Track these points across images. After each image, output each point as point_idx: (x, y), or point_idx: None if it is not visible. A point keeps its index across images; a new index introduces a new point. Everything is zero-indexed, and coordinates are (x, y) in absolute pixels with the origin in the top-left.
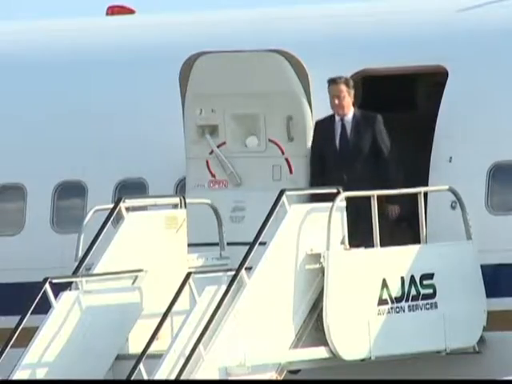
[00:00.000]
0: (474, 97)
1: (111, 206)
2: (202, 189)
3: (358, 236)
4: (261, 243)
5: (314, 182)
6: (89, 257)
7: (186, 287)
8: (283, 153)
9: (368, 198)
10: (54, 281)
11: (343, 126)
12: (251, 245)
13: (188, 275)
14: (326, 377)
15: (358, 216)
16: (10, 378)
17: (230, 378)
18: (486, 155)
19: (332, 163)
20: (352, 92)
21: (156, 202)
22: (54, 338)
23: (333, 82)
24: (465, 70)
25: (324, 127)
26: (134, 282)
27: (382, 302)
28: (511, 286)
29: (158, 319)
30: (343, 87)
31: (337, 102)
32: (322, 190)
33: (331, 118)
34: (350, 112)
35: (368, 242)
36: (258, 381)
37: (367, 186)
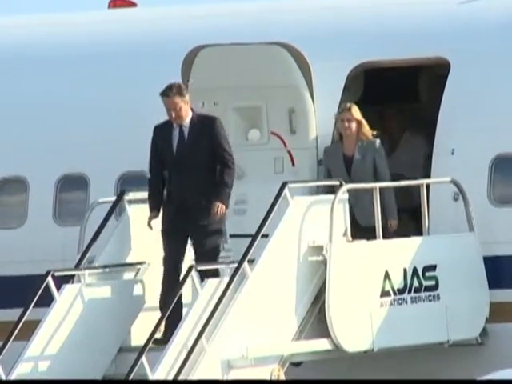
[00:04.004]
0: (476, 89)
1: (113, 199)
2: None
3: None
4: (263, 235)
5: (150, 186)
6: (91, 250)
7: (189, 279)
8: (285, 145)
9: None
10: (57, 273)
11: (181, 132)
12: (253, 237)
13: (190, 268)
14: (328, 369)
15: None
16: (12, 371)
17: (232, 371)
18: (489, 147)
19: (171, 168)
20: (187, 97)
21: None
22: (56, 330)
23: (165, 95)
24: (467, 62)
25: (162, 132)
26: (136, 275)
27: (384, 293)
28: None
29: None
30: (177, 99)
31: (173, 114)
32: (324, 182)
33: (169, 123)
34: (187, 117)
35: None
36: (258, 381)
37: (205, 190)
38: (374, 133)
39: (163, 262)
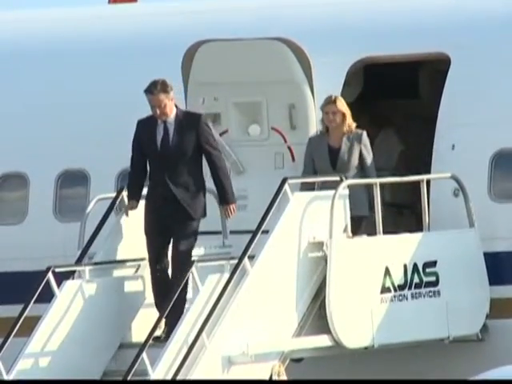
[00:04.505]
0: (476, 84)
1: (114, 194)
2: (205, 177)
3: None
4: (263, 231)
5: (130, 179)
6: (92, 246)
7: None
8: (286, 141)
9: None
10: (57, 269)
11: (165, 128)
12: (254, 233)
13: (191, 264)
14: (329, 365)
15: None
16: (13, 367)
17: (232, 367)
18: (489, 143)
19: (155, 164)
20: (171, 94)
21: None
22: (56, 326)
23: (149, 92)
24: (467, 58)
25: (145, 128)
26: (136, 271)
27: (384, 289)
28: None
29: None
30: (162, 96)
31: (158, 111)
32: (325, 178)
33: (153, 119)
34: (172, 114)
35: None
36: (257, 381)
37: (188, 187)
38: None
39: (149, 263)
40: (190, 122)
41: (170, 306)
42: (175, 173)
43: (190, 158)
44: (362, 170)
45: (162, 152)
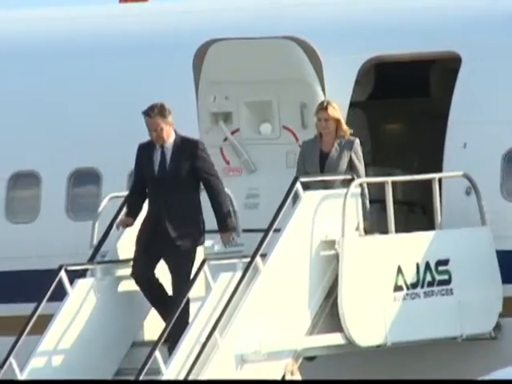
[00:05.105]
0: (487, 82)
1: (126, 193)
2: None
3: None
4: (275, 230)
5: (128, 200)
6: (104, 244)
7: (202, 274)
8: (297, 140)
9: None
10: (70, 268)
11: (163, 153)
12: (266, 231)
13: (203, 262)
14: (341, 363)
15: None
16: (26, 365)
17: (245, 365)
18: (501, 141)
19: (152, 189)
20: (169, 119)
21: None
22: (69, 325)
23: (147, 115)
24: (478, 56)
25: (145, 152)
26: None
27: (397, 288)
28: None
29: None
30: (159, 120)
31: (154, 135)
32: (336, 177)
33: (152, 143)
34: (170, 139)
35: None
36: (259, 381)
37: (186, 213)
38: (351, 131)
39: (132, 274)
40: (186, 148)
41: (181, 307)
42: (171, 199)
43: (186, 184)
44: None
45: (158, 177)
